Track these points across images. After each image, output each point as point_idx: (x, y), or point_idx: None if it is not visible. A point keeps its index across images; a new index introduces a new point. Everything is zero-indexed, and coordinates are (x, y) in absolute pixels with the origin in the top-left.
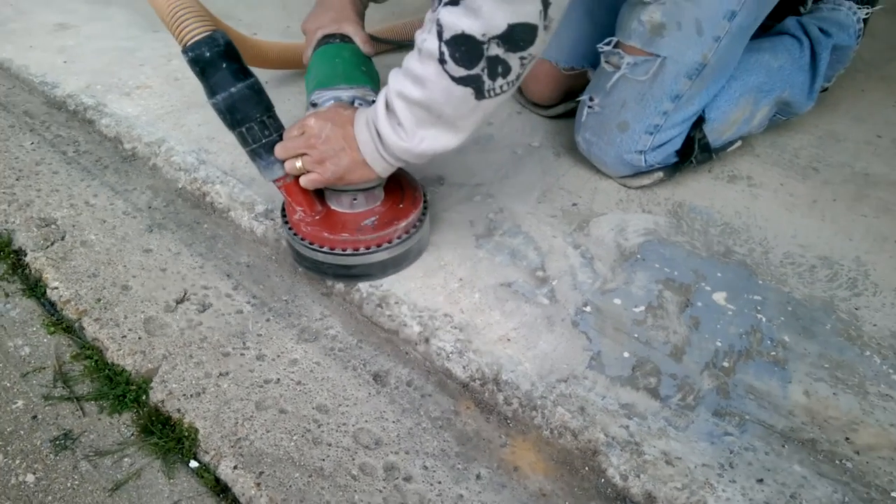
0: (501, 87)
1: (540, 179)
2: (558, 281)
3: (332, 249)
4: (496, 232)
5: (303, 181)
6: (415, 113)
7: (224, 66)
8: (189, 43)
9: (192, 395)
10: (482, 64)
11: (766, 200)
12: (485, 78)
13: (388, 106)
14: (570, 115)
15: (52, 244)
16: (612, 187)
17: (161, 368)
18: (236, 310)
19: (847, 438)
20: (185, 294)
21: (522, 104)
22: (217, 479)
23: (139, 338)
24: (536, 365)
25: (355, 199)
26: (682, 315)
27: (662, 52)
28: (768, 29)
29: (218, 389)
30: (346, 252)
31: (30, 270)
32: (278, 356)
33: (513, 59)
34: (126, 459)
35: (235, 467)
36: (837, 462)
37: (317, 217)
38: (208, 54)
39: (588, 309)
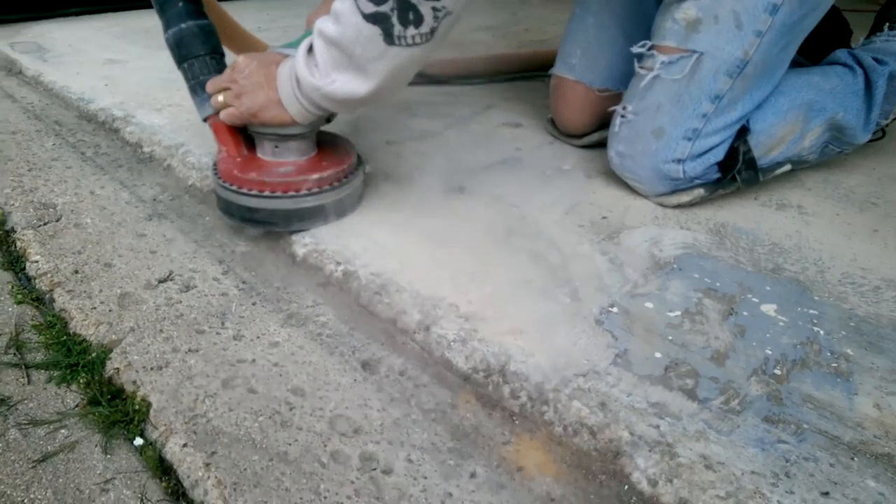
0: (413, 37)
1: (569, 195)
2: (582, 282)
3: (238, 188)
4: (516, 236)
5: (222, 115)
6: (330, 53)
7: (180, 4)
8: None
9: (152, 368)
10: (391, 3)
11: (819, 227)
12: (394, 20)
13: (310, 46)
14: (605, 144)
15: (45, 224)
16: (647, 206)
17: (125, 340)
18: (221, 292)
19: None
20: (171, 274)
21: (555, 135)
22: (161, 458)
23: (109, 310)
24: (551, 358)
25: (277, 147)
26: (724, 322)
27: (699, 48)
28: (818, 62)
29: (183, 364)
30: (251, 193)
31: (15, 246)
32: (258, 337)
33: (424, 7)
34: (63, 431)
35: (185, 445)
36: None
37: (238, 159)
38: None
39: (615, 310)
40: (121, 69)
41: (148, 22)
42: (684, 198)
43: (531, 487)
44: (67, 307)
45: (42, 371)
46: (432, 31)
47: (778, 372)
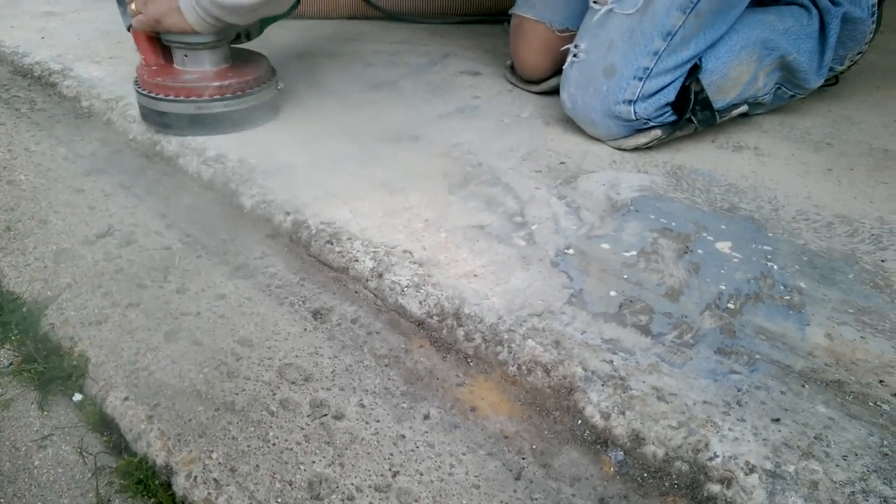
0: None
1: (526, 142)
2: (538, 226)
3: (149, 93)
4: (472, 182)
5: (133, 22)
6: None
7: None
8: None
9: (90, 324)
10: None
11: (775, 167)
12: None
13: None
14: None
15: None
16: (605, 150)
17: (61, 297)
18: (164, 246)
19: (881, 381)
20: (110, 229)
21: (514, 83)
22: (101, 413)
23: (45, 266)
24: (506, 300)
25: (186, 56)
26: (679, 260)
27: None
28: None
29: (123, 319)
30: (159, 97)
31: None
32: (203, 290)
33: None
34: None
35: (126, 399)
36: (871, 404)
37: (153, 67)
38: None
39: (571, 252)
40: (58, 21)
41: None
42: (641, 139)
43: (484, 426)
44: None
45: None
46: None
47: (731, 306)
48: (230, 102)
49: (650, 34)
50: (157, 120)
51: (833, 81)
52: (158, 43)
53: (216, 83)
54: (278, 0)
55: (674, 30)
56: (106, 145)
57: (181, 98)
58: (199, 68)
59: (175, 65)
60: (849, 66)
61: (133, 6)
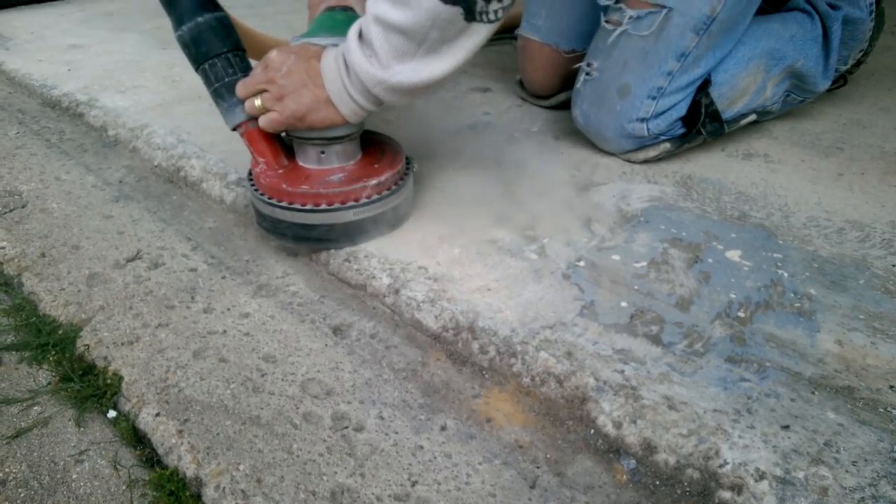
0: (496, 11)
1: (536, 157)
2: (550, 239)
3: (290, 204)
4: (484, 198)
5: (261, 122)
6: (394, 41)
7: None
8: None
9: (122, 344)
10: None
11: (785, 174)
12: None
13: (361, 35)
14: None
15: (11, 211)
16: (614, 162)
17: (95, 318)
18: (190, 268)
19: (892, 387)
20: (139, 253)
21: (523, 97)
22: (135, 429)
23: (78, 290)
24: (519, 313)
25: (323, 153)
26: (689, 270)
27: (668, 3)
28: (779, 6)
29: (154, 339)
30: (306, 208)
31: None
32: (228, 309)
33: None
34: (35, 408)
35: (157, 414)
36: (881, 410)
37: (280, 171)
38: None
39: (582, 264)
40: (84, 54)
41: (111, 6)
42: (651, 153)
43: (500, 436)
44: (36, 290)
45: (13, 353)
46: (511, 1)
47: (741, 314)
48: (388, 200)
49: (664, 55)
50: (301, 233)
51: (841, 83)
52: (279, 139)
53: (373, 180)
54: (460, 71)
55: (687, 51)
56: (132, 172)
57: (335, 206)
58: (339, 164)
59: (304, 163)
60: (853, 66)
61: (257, 103)
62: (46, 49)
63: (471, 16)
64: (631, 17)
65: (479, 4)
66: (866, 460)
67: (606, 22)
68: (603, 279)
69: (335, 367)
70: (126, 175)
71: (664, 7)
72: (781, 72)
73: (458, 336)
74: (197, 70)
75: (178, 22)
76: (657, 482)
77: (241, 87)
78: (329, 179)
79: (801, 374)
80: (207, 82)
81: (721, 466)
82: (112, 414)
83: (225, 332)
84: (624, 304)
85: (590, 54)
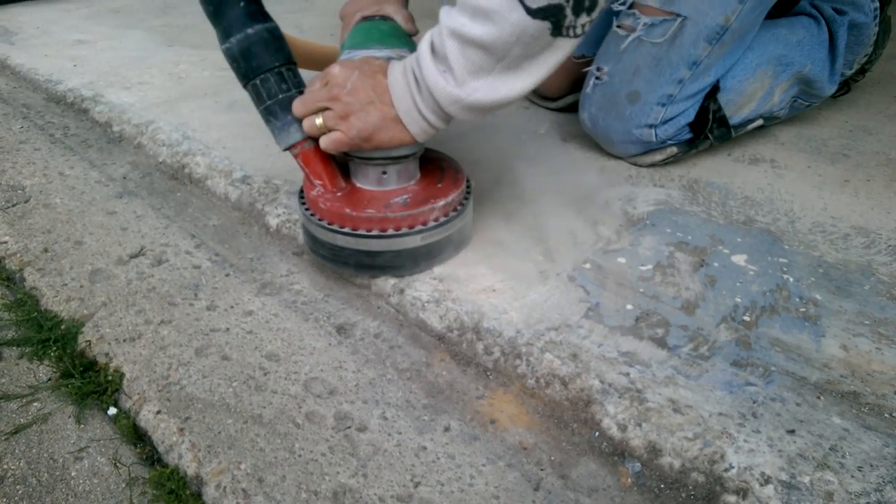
0: (583, 25)
1: (544, 159)
2: (555, 241)
3: (353, 230)
4: (490, 199)
5: (323, 142)
6: (470, 56)
7: (242, 4)
8: None
9: (124, 340)
10: None
11: (791, 179)
12: (567, 11)
13: (434, 49)
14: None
15: (14, 206)
16: (621, 165)
17: (97, 315)
18: (194, 265)
19: None
20: (142, 250)
21: (531, 99)
22: (135, 426)
23: (80, 286)
24: (524, 314)
25: (385, 174)
26: (695, 274)
27: (683, 12)
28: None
29: (156, 335)
30: (371, 234)
31: None
32: (231, 307)
33: None
34: (35, 404)
35: (159, 412)
36: (887, 415)
37: (338, 194)
38: None
39: (588, 266)
40: (89, 49)
41: (117, 3)
42: (658, 157)
43: (504, 438)
44: (38, 285)
45: (14, 348)
46: (600, 13)
47: (747, 318)
48: (455, 221)
49: (676, 63)
50: (365, 261)
51: (845, 90)
52: (335, 159)
53: (440, 201)
54: (519, 90)
55: (699, 60)
56: (137, 168)
57: (403, 231)
58: (400, 185)
59: (362, 185)
60: (858, 73)
61: (318, 122)
62: (52, 44)
63: (557, 31)
64: (645, 24)
65: (568, 18)
66: (872, 465)
67: (618, 27)
68: (609, 282)
69: (338, 366)
70: (130, 171)
71: (679, 16)
72: (790, 78)
73: (463, 337)
74: (245, 86)
75: (225, 34)
76: (662, 486)
77: (300, 105)
78: (394, 202)
79: (807, 379)
80: (258, 99)
81: (726, 470)
82: (112, 411)
83: (228, 329)
84: (629, 306)
85: (600, 59)
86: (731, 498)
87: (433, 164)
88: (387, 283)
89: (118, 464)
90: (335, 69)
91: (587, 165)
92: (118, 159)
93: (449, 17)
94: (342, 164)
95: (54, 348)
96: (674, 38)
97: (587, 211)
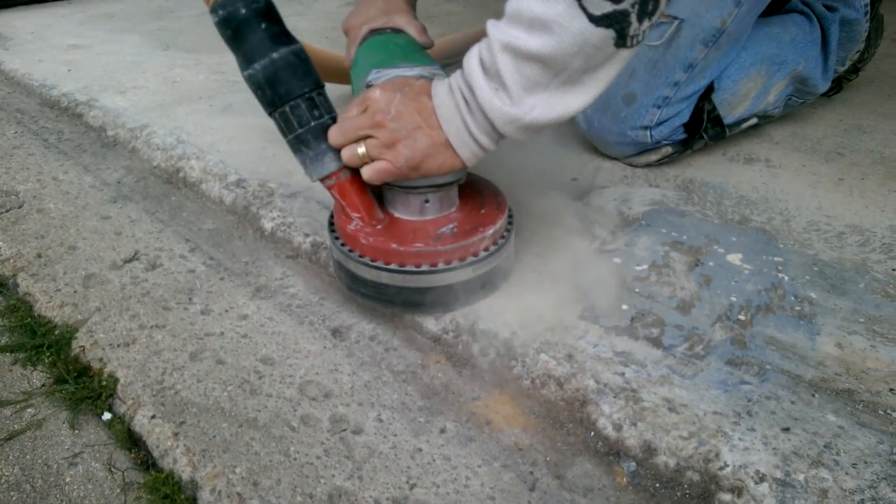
0: (644, 31)
1: (538, 160)
2: (550, 241)
3: (401, 266)
4: None
5: (366, 173)
6: (525, 72)
7: (263, 26)
8: None
9: (118, 345)
10: None
11: (786, 179)
12: (633, 18)
13: (483, 65)
14: None
15: (7, 211)
16: (616, 166)
17: (91, 320)
18: (188, 269)
19: (892, 389)
20: (136, 254)
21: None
22: (130, 431)
23: (74, 291)
24: (519, 315)
25: (427, 202)
26: (690, 273)
27: (680, 14)
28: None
29: (150, 340)
30: (421, 269)
31: None
32: (226, 311)
33: None
34: (29, 410)
35: (153, 417)
36: (881, 412)
37: (378, 226)
38: (244, 11)
39: (582, 266)
40: (84, 54)
41: (112, 7)
42: (653, 157)
43: (500, 439)
44: (31, 290)
45: (7, 354)
46: (658, 16)
47: (742, 317)
48: (504, 249)
49: (672, 66)
50: (413, 299)
51: (837, 89)
52: (371, 188)
53: (489, 229)
54: (579, 105)
55: (695, 62)
56: (131, 173)
57: (454, 264)
58: (442, 213)
59: (402, 215)
60: (851, 72)
61: (360, 151)
62: (46, 49)
63: (622, 40)
64: None
65: (633, 26)
66: (866, 462)
67: None
68: (604, 282)
69: (334, 369)
70: (125, 175)
71: (676, 18)
72: (785, 77)
73: (459, 338)
74: (272, 114)
75: (247, 59)
76: (657, 485)
77: (338, 133)
78: (441, 232)
79: (802, 377)
80: (287, 127)
81: (721, 469)
82: (107, 416)
83: (222, 333)
84: (625, 306)
85: None
86: (727, 496)
87: (468, 186)
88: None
89: (113, 469)
90: (375, 93)
91: (582, 166)
92: (112, 164)
93: (499, 31)
94: (377, 192)
95: (48, 354)
96: (670, 40)
97: (582, 212)
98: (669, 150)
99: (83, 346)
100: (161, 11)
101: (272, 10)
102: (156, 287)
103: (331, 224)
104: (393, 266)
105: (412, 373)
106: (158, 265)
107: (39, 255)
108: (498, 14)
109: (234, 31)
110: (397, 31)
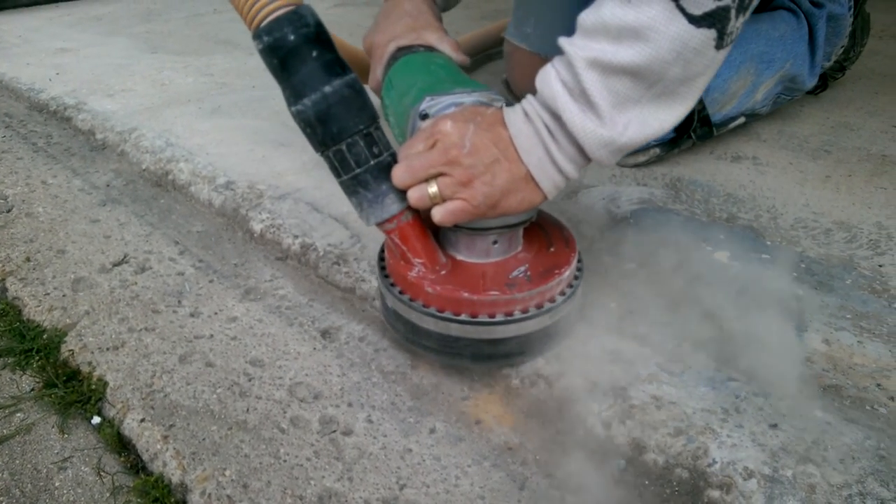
0: (738, 28)
1: None
2: None
3: (473, 317)
4: None
5: (439, 215)
6: (614, 87)
7: (314, 54)
8: (264, 23)
9: (108, 349)
10: None
11: (773, 176)
12: (732, 13)
13: (567, 87)
14: None
15: None
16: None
17: (80, 323)
18: (177, 272)
19: (879, 385)
20: (125, 257)
21: (510, 100)
22: (119, 435)
23: (63, 295)
24: None
25: (495, 243)
26: (678, 271)
27: None
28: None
29: (139, 343)
30: (496, 320)
31: None
32: (215, 313)
33: None
34: (18, 414)
35: (143, 420)
36: (868, 408)
37: (442, 272)
38: (293, 38)
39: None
40: (72, 58)
41: (101, 10)
42: (641, 157)
43: (489, 438)
44: (20, 295)
45: None
46: (753, 9)
47: (730, 314)
48: (577, 289)
49: None
50: (485, 351)
51: (822, 87)
52: (432, 230)
53: (565, 271)
54: (674, 120)
55: None
56: (120, 176)
57: (531, 312)
58: (513, 253)
59: (467, 259)
60: (838, 68)
61: (432, 190)
62: (34, 53)
63: (721, 40)
64: None
65: (731, 22)
66: (853, 458)
67: None
68: (592, 281)
69: (323, 370)
70: (113, 179)
71: None
72: (773, 76)
73: None
74: (324, 153)
75: (296, 94)
76: (646, 482)
77: (406, 172)
78: (514, 277)
79: (790, 374)
80: (342, 167)
81: (710, 465)
82: (96, 420)
83: (212, 336)
84: (613, 305)
85: None
86: (715, 493)
87: (538, 224)
88: (371, 287)
89: (102, 473)
90: (446, 125)
91: None
92: (101, 167)
93: (580, 47)
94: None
95: (37, 358)
96: None
97: (571, 211)
98: (658, 150)
99: (72, 350)
100: (149, 14)
101: (323, 35)
102: (145, 290)
103: (382, 268)
104: (464, 317)
105: (402, 373)
106: (147, 268)
107: (28, 260)
108: (487, 13)
109: (280, 60)
110: (429, 48)
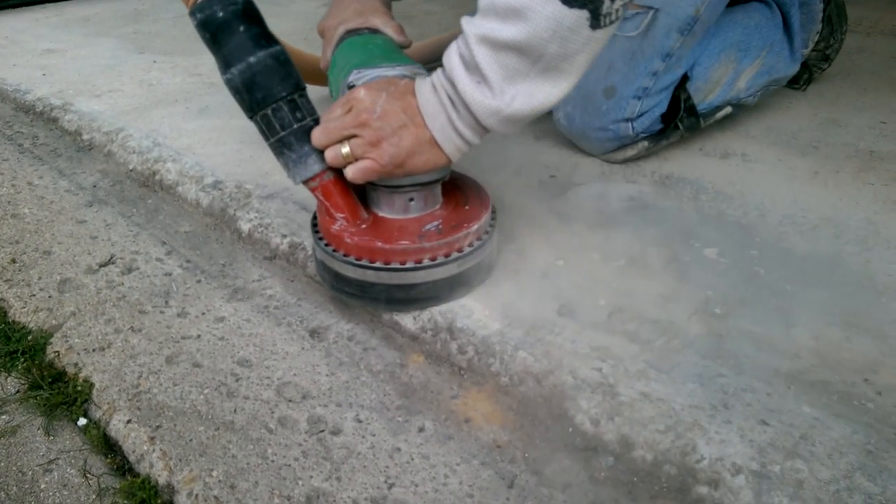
0: (617, 10)
1: (517, 157)
2: (529, 240)
3: (386, 264)
4: None
5: (351, 172)
6: (503, 62)
7: (242, 29)
8: (199, 1)
9: (94, 350)
10: None
11: (762, 173)
12: None
13: (463, 60)
14: None
15: None
16: (594, 163)
17: (66, 325)
18: (165, 272)
19: (866, 380)
20: (112, 258)
21: None
22: (106, 436)
23: (49, 296)
24: (497, 312)
25: (412, 200)
26: (667, 268)
27: (655, 4)
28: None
29: (126, 344)
30: (406, 266)
31: None
32: (203, 314)
33: None
34: (3, 416)
35: (129, 421)
36: (856, 403)
37: (363, 226)
38: (221, 14)
39: (560, 263)
40: (59, 58)
41: (88, 11)
42: (630, 152)
43: (478, 437)
44: (5, 296)
45: None
46: None
47: (718, 311)
48: (486, 243)
49: (650, 56)
50: (399, 295)
51: (807, 77)
52: (354, 188)
53: (474, 225)
54: (559, 94)
55: (672, 51)
56: (107, 176)
57: (440, 260)
58: (430, 210)
59: (386, 214)
60: (822, 57)
61: (345, 150)
62: (21, 54)
63: (596, 21)
64: None
65: (606, 4)
66: (841, 453)
67: None
68: (581, 278)
69: (312, 370)
70: (100, 179)
71: (651, 8)
72: (753, 63)
73: (437, 336)
74: (252, 118)
75: (225, 63)
76: (635, 479)
77: (322, 134)
78: (427, 230)
79: (778, 369)
80: (269, 131)
81: (698, 462)
82: (82, 421)
83: (199, 336)
84: (602, 302)
85: None
86: (703, 489)
87: (452, 183)
88: None
89: (88, 475)
90: (360, 93)
91: (560, 163)
92: (88, 168)
93: (474, 25)
94: (361, 193)
95: (22, 360)
96: (647, 30)
97: (561, 209)
98: (646, 143)
99: (58, 352)
100: (137, 15)
101: (252, 11)
102: (132, 291)
103: (314, 225)
104: (378, 264)
105: (390, 372)
106: (134, 269)
107: (14, 261)
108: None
109: (212, 34)
110: (374, 31)
